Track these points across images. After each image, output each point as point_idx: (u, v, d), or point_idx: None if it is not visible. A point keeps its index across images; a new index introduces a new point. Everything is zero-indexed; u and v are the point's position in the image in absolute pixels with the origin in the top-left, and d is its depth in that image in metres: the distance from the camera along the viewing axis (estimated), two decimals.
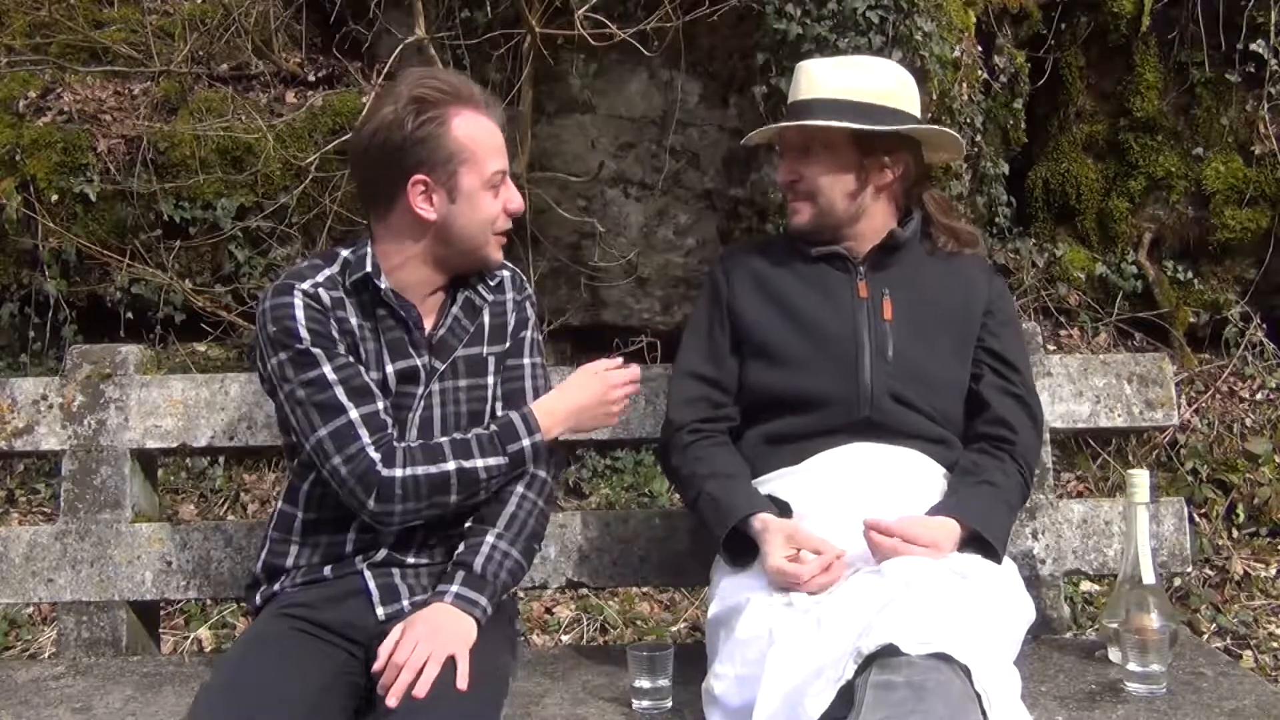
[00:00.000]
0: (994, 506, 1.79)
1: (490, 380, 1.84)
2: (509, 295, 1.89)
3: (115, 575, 2.12)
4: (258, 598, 1.81)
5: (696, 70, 3.54)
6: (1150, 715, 1.64)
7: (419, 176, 1.70)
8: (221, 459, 3.59)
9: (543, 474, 1.81)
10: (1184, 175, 3.90)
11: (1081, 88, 4.05)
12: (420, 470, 1.68)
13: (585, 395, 1.83)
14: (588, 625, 3.18)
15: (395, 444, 1.69)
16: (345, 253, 1.79)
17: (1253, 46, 3.74)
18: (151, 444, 2.16)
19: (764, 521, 1.73)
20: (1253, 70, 3.76)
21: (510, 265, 1.93)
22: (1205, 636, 3.09)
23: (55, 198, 3.64)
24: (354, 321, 1.74)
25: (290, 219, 3.58)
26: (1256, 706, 1.65)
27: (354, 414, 1.68)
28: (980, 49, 3.72)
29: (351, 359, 1.71)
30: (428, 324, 1.80)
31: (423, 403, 1.78)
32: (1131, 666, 1.72)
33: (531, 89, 3.54)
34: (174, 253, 3.64)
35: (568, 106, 3.65)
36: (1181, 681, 1.75)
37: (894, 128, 1.88)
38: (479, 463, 1.72)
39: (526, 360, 1.87)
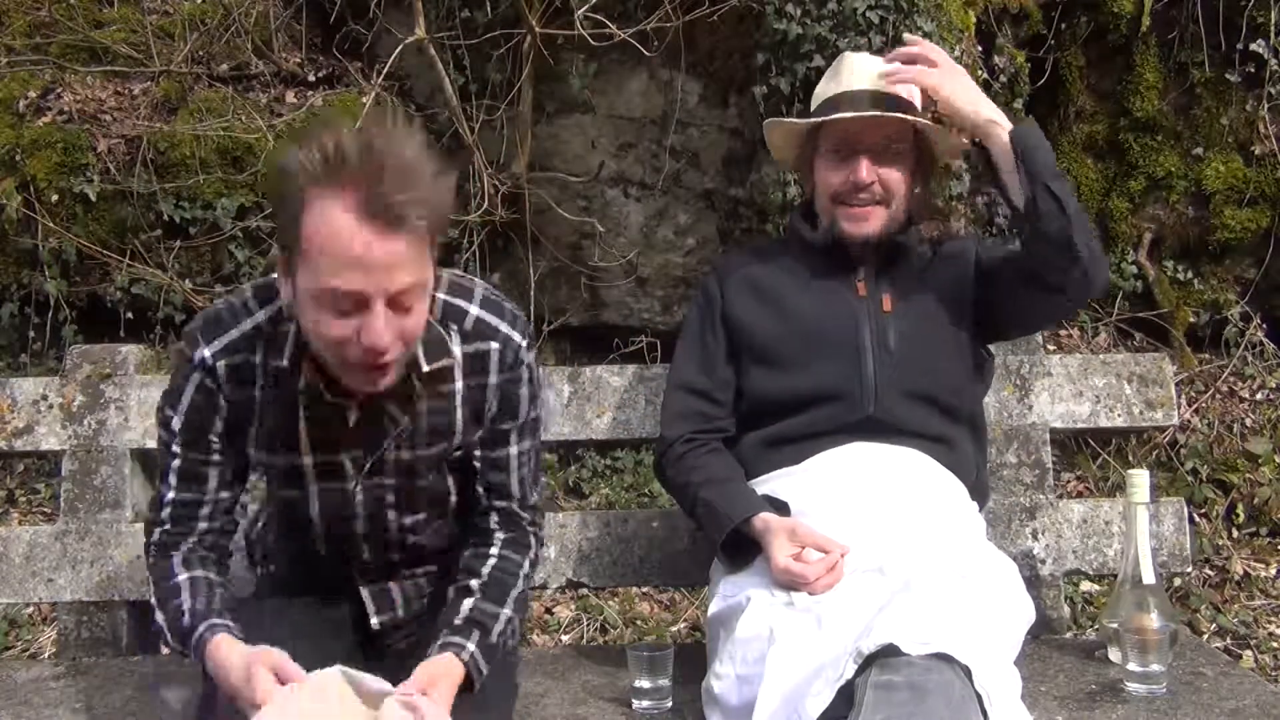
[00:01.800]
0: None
1: (450, 479, 1.67)
2: (493, 379, 1.60)
3: (115, 575, 2.12)
4: None
5: (696, 70, 3.54)
6: (1150, 715, 1.64)
7: (282, 245, 1.45)
8: None
9: (537, 551, 1.73)
10: (1184, 175, 3.90)
11: (1081, 88, 4.04)
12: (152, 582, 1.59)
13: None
14: (588, 625, 3.18)
15: (181, 543, 1.58)
16: (282, 301, 1.49)
17: (1253, 46, 3.73)
18: (151, 444, 2.16)
19: (764, 521, 1.73)
20: (1253, 70, 3.76)
21: (505, 331, 1.60)
22: (1205, 636, 3.09)
23: (55, 198, 3.63)
24: (262, 394, 1.54)
25: None
26: (1256, 706, 1.65)
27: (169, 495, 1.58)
28: (980, 49, 3.71)
29: (209, 455, 1.56)
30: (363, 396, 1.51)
31: (363, 497, 1.61)
32: (1131, 666, 1.72)
33: (531, 89, 3.54)
34: (174, 253, 3.63)
35: (568, 106, 3.65)
36: (1181, 681, 1.75)
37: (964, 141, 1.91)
38: (158, 615, 1.56)
39: (513, 449, 1.65)
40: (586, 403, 2.19)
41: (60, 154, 3.65)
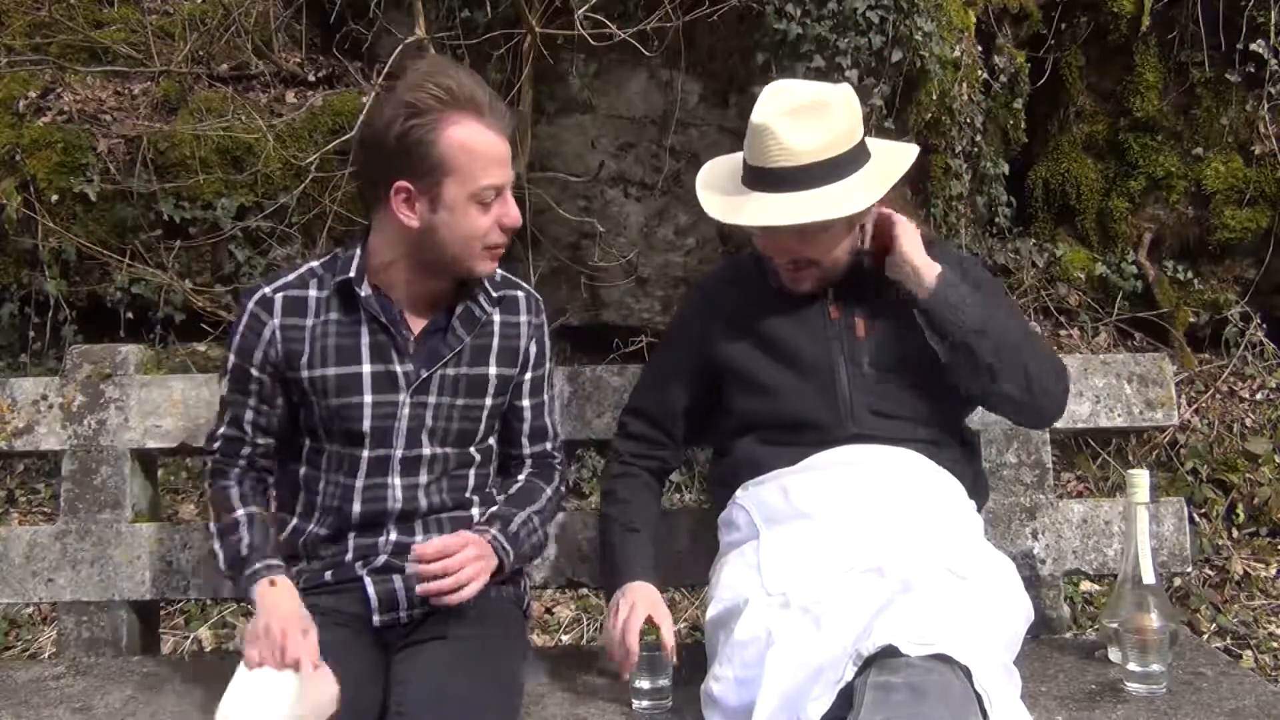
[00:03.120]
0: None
1: (488, 401, 1.83)
2: (523, 318, 1.88)
3: (115, 575, 2.11)
4: None
5: (696, 70, 3.54)
6: (1150, 715, 1.64)
7: (401, 183, 1.65)
8: None
9: (563, 480, 1.95)
10: (1184, 175, 3.90)
11: (1081, 88, 4.05)
12: (212, 512, 1.80)
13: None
14: (588, 625, 3.18)
15: (231, 469, 1.81)
16: (340, 250, 1.80)
17: (1253, 46, 3.74)
18: (151, 444, 2.16)
19: (632, 591, 1.82)
20: (1253, 70, 3.77)
21: (526, 287, 1.92)
22: (1205, 636, 3.09)
23: (55, 198, 3.64)
24: (316, 321, 1.75)
25: (290, 219, 3.58)
26: (1256, 706, 1.65)
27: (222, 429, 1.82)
28: (980, 49, 3.72)
29: (248, 397, 1.78)
30: (415, 327, 1.77)
31: (408, 412, 1.75)
32: (1131, 666, 1.72)
33: (531, 89, 3.54)
34: (174, 253, 3.64)
35: (568, 106, 3.65)
36: (1181, 681, 1.75)
37: (891, 183, 1.82)
38: (216, 543, 1.76)
39: (546, 395, 1.93)
40: (586, 403, 2.19)
41: (60, 154, 3.65)
